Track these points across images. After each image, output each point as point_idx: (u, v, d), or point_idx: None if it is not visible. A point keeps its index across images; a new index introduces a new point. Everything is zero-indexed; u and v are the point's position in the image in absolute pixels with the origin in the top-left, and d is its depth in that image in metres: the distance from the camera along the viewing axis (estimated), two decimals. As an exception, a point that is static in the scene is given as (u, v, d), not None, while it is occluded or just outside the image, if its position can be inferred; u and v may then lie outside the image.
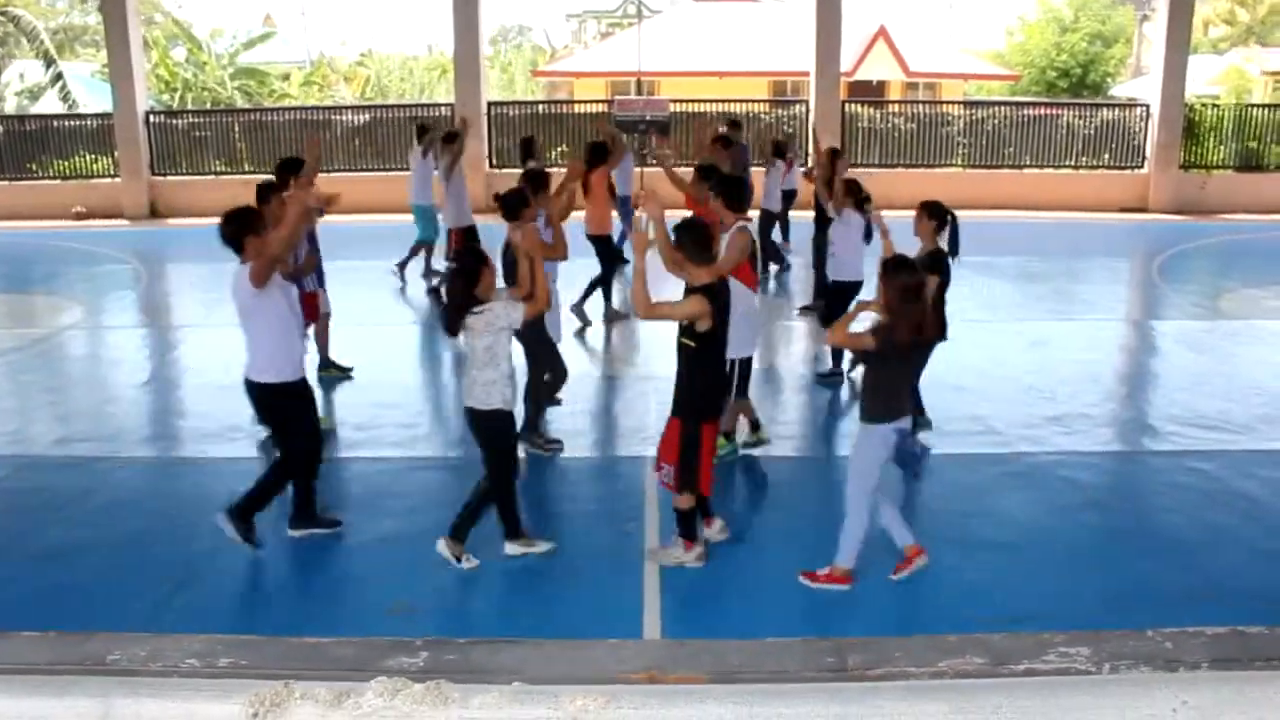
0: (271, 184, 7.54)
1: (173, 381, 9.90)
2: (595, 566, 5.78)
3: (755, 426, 7.39)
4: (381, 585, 5.68)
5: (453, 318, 5.57)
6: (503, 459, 5.76)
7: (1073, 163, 21.14)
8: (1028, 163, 21.10)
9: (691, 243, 5.45)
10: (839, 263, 8.89)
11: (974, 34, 72.42)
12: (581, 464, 7.41)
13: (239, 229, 5.70)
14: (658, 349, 9.60)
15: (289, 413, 5.96)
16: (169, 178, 20.68)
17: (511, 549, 5.81)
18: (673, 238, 5.52)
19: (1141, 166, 20.71)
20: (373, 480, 7.21)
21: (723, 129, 13.12)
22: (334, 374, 9.20)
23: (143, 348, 11.04)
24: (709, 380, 5.59)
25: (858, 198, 8.71)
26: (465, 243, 9.67)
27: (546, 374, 7.46)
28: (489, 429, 5.70)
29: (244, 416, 8.22)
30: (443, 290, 9.07)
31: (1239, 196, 20.28)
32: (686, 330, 5.45)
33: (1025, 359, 9.96)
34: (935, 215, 7.15)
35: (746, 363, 6.99)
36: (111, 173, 20.75)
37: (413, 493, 6.91)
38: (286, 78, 34.55)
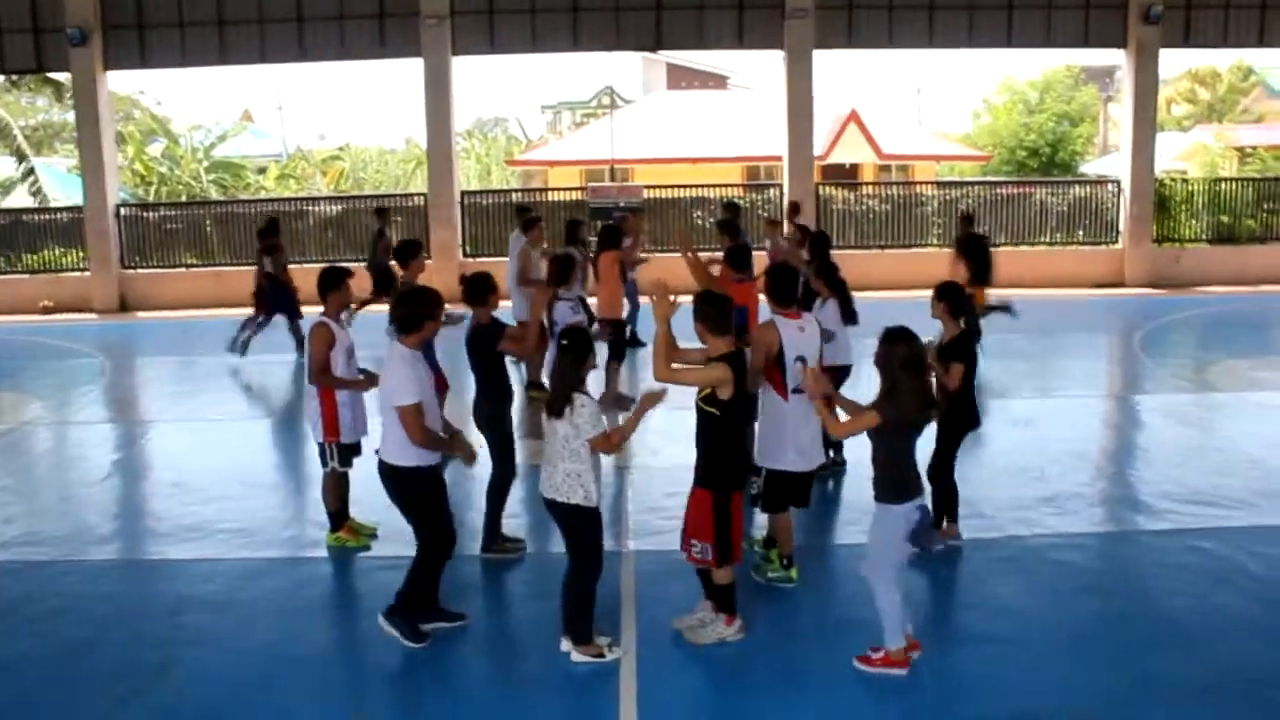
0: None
1: (130, 479, 9.50)
2: (567, 676, 5.39)
3: (786, 561, 6.48)
4: (340, 695, 5.31)
5: (564, 397, 5.28)
6: (588, 556, 5.47)
7: (1047, 240, 21.20)
8: (1003, 241, 21.10)
9: (712, 314, 5.41)
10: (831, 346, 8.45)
11: (941, 118, 74.00)
12: (554, 560, 6.91)
13: (419, 311, 5.65)
14: (648, 440, 9.28)
15: (426, 498, 5.72)
16: (139, 270, 20.44)
17: (579, 656, 5.44)
18: (693, 309, 5.47)
19: (1116, 242, 20.79)
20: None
21: (700, 217, 13.02)
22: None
23: (101, 444, 10.61)
24: (734, 448, 5.48)
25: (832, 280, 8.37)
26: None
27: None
28: (572, 524, 5.43)
29: (203, 515, 7.95)
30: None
31: (1214, 270, 20.37)
32: (709, 398, 5.35)
33: (1011, 438, 9.68)
34: (949, 297, 6.69)
35: (780, 475, 6.26)
36: (81, 266, 20.54)
37: (375, 593, 6.54)
38: (262, 171, 34.63)
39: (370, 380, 6.86)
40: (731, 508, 5.42)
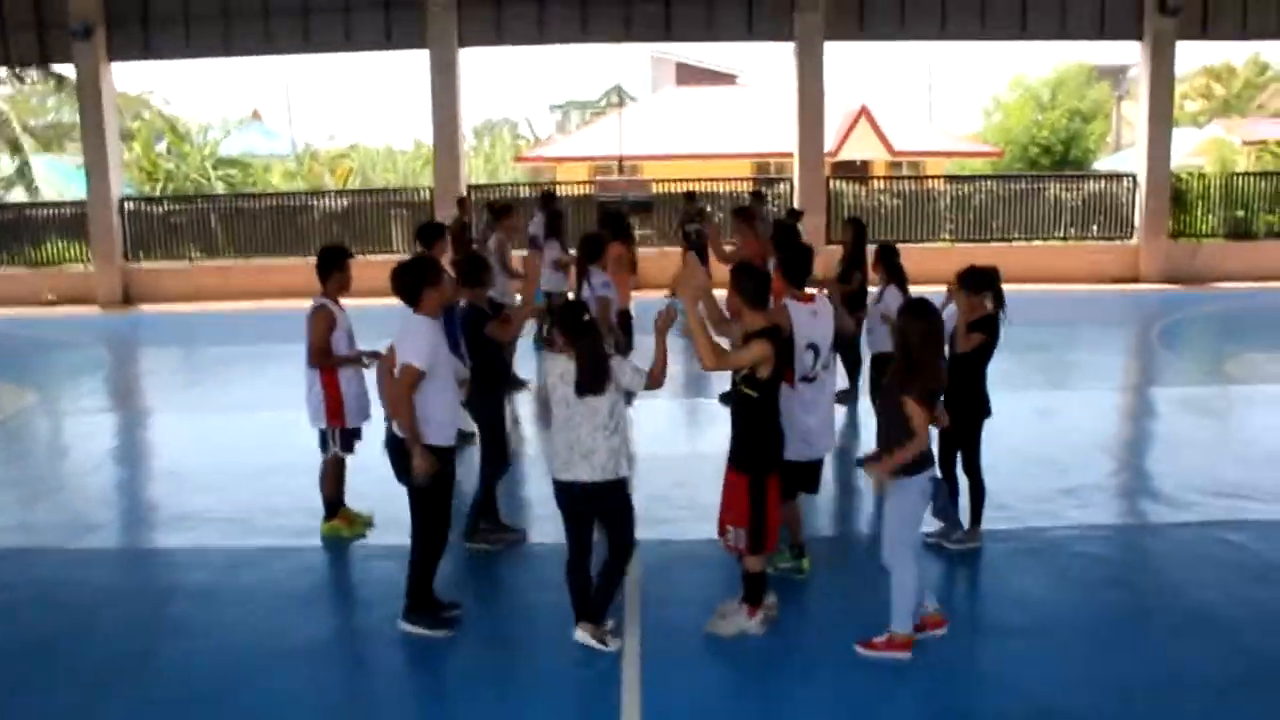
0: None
1: (125, 468, 9.27)
2: (568, 667, 5.14)
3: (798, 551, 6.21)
4: (318, 691, 5.07)
5: (604, 369, 5.01)
6: (628, 528, 5.26)
7: (1061, 235, 20.89)
8: (1016, 236, 20.85)
9: (750, 287, 5.24)
10: (882, 334, 8.15)
11: (952, 116, 73.60)
12: (550, 550, 6.23)
13: (415, 280, 5.43)
14: (650, 428, 9.03)
15: (441, 478, 5.44)
16: (143, 264, 20.29)
17: (582, 636, 5.22)
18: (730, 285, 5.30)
19: (1131, 237, 20.47)
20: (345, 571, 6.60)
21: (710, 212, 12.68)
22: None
23: (97, 434, 10.36)
24: (770, 429, 5.25)
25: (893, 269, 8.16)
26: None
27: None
28: (621, 501, 5.21)
29: (196, 504, 7.72)
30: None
31: (1230, 264, 20.02)
32: (747, 379, 5.13)
33: (1030, 430, 9.36)
34: (978, 287, 6.46)
35: (787, 464, 5.67)
36: (85, 259, 20.40)
37: (368, 583, 6.31)
38: (268, 169, 34.44)
39: (372, 357, 6.60)
40: (768, 491, 5.19)
